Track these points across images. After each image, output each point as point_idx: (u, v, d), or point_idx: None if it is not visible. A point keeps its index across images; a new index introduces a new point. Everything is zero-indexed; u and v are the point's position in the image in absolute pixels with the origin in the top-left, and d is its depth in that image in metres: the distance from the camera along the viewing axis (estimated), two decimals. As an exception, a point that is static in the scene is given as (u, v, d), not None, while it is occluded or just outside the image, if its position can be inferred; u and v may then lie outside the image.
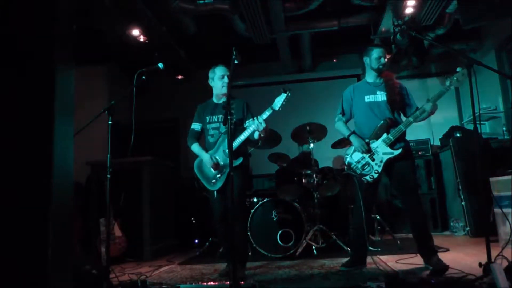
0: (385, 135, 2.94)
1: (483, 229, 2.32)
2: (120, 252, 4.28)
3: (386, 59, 3.07)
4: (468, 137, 4.83)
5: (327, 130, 4.38)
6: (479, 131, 2.46)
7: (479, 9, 4.40)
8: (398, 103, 3.04)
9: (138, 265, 4.04)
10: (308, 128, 4.26)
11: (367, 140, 3.01)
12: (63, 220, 0.92)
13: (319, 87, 6.45)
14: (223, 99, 3.21)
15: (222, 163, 3.11)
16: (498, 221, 3.66)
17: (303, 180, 4.35)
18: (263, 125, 2.89)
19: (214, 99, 3.28)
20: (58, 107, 0.92)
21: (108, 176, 2.63)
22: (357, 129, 3.13)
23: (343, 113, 3.23)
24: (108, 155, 2.66)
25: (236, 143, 3.00)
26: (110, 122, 2.70)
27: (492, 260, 2.18)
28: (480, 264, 2.22)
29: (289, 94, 2.85)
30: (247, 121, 3.11)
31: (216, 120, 3.20)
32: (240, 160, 3.04)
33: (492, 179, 3.65)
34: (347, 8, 5.17)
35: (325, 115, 5.84)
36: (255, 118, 2.92)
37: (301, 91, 6.22)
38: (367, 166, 2.97)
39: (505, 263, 2.22)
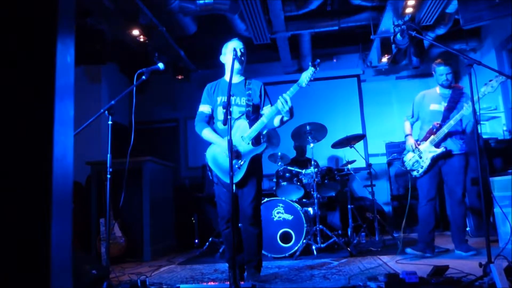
0: (432, 137, 3.44)
1: (483, 229, 2.32)
2: (120, 252, 4.28)
3: (451, 75, 3.51)
4: (468, 137, 4.82)
5: (327, 130, 4.37)
6: (479, 131, 2.46)
7: (479, 9, 4.40)
8: (454, 112, 3.44)
9: (138, 265, 4.04)
10: (308, 128, 4.26)
11: (418, 142, 3.54)
12: (63, 220, 0.92)
13: (319, 87, 6.45)
14: (240, 77, 2.91)
15: (242, 151, 2.71)
16: (498, 221, 3.66)
17: (303, 180, 4.35)
18: (289, 104, 2.60)
19: (228, 78, 2.78)
20: (58, 107, 0.92)
21: (108, 176, 2.63)
22: (422, 132, 3.60)
23: (412, 115, 3.73)
24: (108, 155, 2.66)
25: (257, 128, 2.69)
26: (110, 122, 2.69)
27: (492, 260, 2.18)
28: (480, 264, 2.22)
29: (318, 69, 2.66)
30: (264, 107, 2.86)
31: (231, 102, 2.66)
32: (264, 146, 2.74)
33: (492, 179, 3.65)
34: (347, 8, 5.17)
35: (325, 115, 5.86)
36: (281, 96, 2.61)
37: (301, 91, 6.21)
38: (416, 163, 3.51)
39: (505, 263, 2.22)
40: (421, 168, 3.46)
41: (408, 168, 3.58)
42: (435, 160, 3.44)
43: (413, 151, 3.53)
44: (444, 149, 3.39)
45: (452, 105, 3.46)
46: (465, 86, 3.56)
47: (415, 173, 3.52)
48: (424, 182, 3.50)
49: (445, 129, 3.38)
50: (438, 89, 3.60)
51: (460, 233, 3.44)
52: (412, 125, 3.73)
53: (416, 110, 3.70)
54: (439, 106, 3.52)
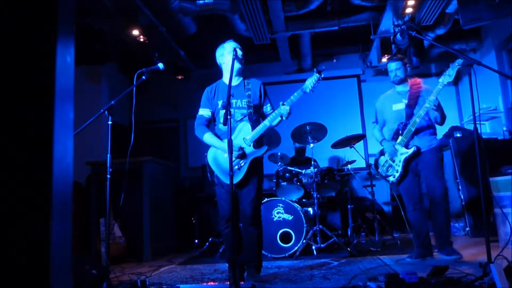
0: (400, 137, 3.28)
1: (483, 229, 2.33)
2: (120, 252, 4.28)
3: (401, 71, 3.36)
4: (468, 137, 4.83)
5: (327, 130, 4.37)
6: (479, 131, 2.46)
7: (479, 9, 4.40)
8: (416, 107, 3.29)
9: (138, 265, 4.04)
10: (308, 128, 4.26)
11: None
12: (63, 220, 0.92)
13: (319, 87, 6.43)
14: (238, 79, 2.90)
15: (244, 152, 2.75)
16: (498, 221, 3.66)
17: (303, 180, 4.35)
18: (287, 111, 2.66)
19: (226, 81, 2.81)
20: (58, 107, 0.92)
21: (108, 176, 2.63)
22: (389, 136, 3.43)
23: (376, 121, 3.63)
24: (108, 155, 2.66)
25: (259, 130, 2.72)
26: (110, 122, 2.70)
27: (492, 260, 2.18)
28: (480, 264, 2.22)
29: (323, 75, 2.68)
30: (264, 107, 2.89)
31: (232, 105, 2.74)
32: (265, 148, 2.77)
33: (492, 179, 3.64)
34: (347, 8, 5.17)
35: (325, 115, 5.85)
36: (283, 103, 2.66)
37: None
38: (390, 168, 3.35)
39: (505, 263, 2.22)
40: (397, 172, 3.28)
41: (383, 174, 3.41)
42: (408, 161, 3.26)
43: (392, 153, 3.32)
44: (415, 148, 3.22)
45: (412, 101, 3.30)
46: (422, 80, 3.47)
47: (391, 178, 3.34)
48: (406, 185, 3.33)
49: (411, 128, 3.20)
50: (395, 88, 3.48)
51: (443, 242, 3.20)
52: (380, 131, 3.58)
53: (379, 115, 3.58)
54: (401, 105, 3.37)
